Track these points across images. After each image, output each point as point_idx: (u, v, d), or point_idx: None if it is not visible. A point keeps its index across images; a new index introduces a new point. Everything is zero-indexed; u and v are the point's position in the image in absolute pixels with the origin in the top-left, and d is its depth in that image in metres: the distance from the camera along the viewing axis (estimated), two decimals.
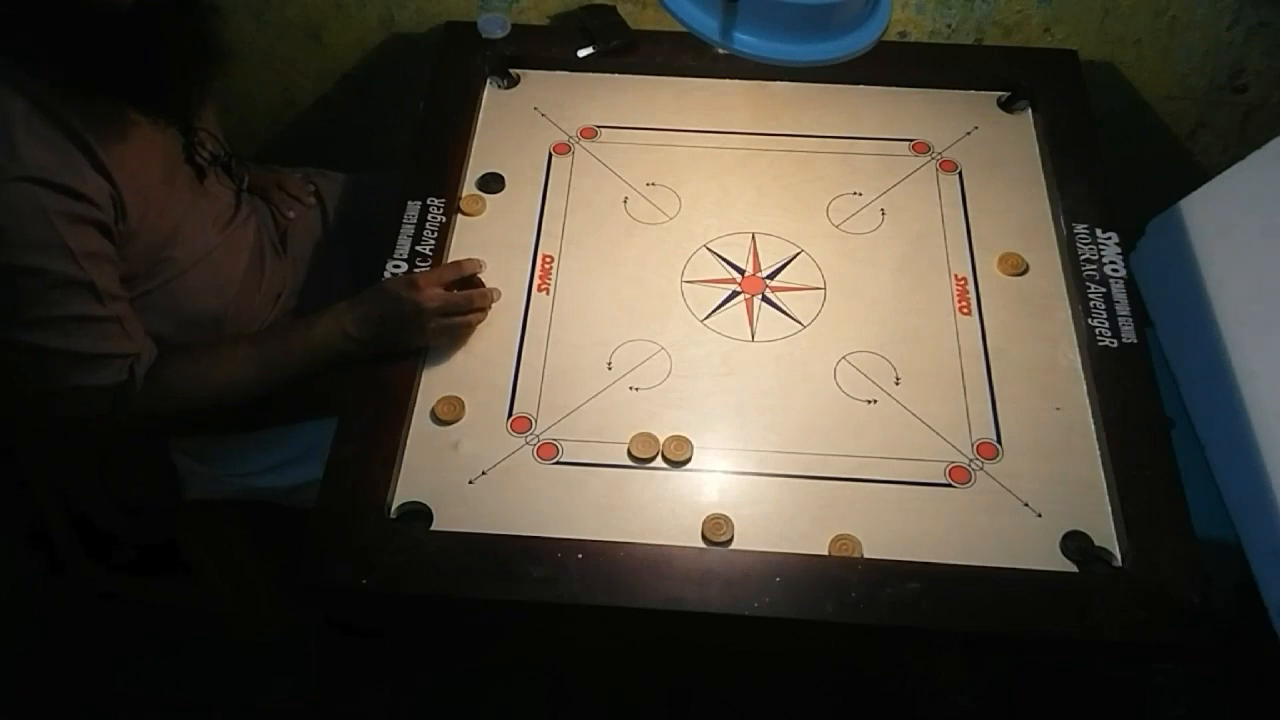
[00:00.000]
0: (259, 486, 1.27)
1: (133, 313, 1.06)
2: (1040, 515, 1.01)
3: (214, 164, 1.18)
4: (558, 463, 1.04)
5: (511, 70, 1.38)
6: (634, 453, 1.04)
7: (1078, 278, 1.16)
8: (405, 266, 1.16)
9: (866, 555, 0.97)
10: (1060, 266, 1.19)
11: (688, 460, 1.04)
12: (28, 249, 0.94)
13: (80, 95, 0.96)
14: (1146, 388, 1.08)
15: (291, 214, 1.33)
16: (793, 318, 1.16)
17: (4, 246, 0.93)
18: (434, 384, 1.10)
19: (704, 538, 0.99)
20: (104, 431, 1.13)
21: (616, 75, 1.38)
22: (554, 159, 1.30)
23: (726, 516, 1.00)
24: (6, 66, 0.93)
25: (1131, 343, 1.11)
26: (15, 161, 0.92)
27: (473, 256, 1.17)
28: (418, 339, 1.10)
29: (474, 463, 1.04)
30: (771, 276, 1.20)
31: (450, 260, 1.17)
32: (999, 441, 1.06)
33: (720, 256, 1.22)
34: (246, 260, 1.21)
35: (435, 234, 1.19)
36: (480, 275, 1.15)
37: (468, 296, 1.12)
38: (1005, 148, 1.31)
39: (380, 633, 1.59)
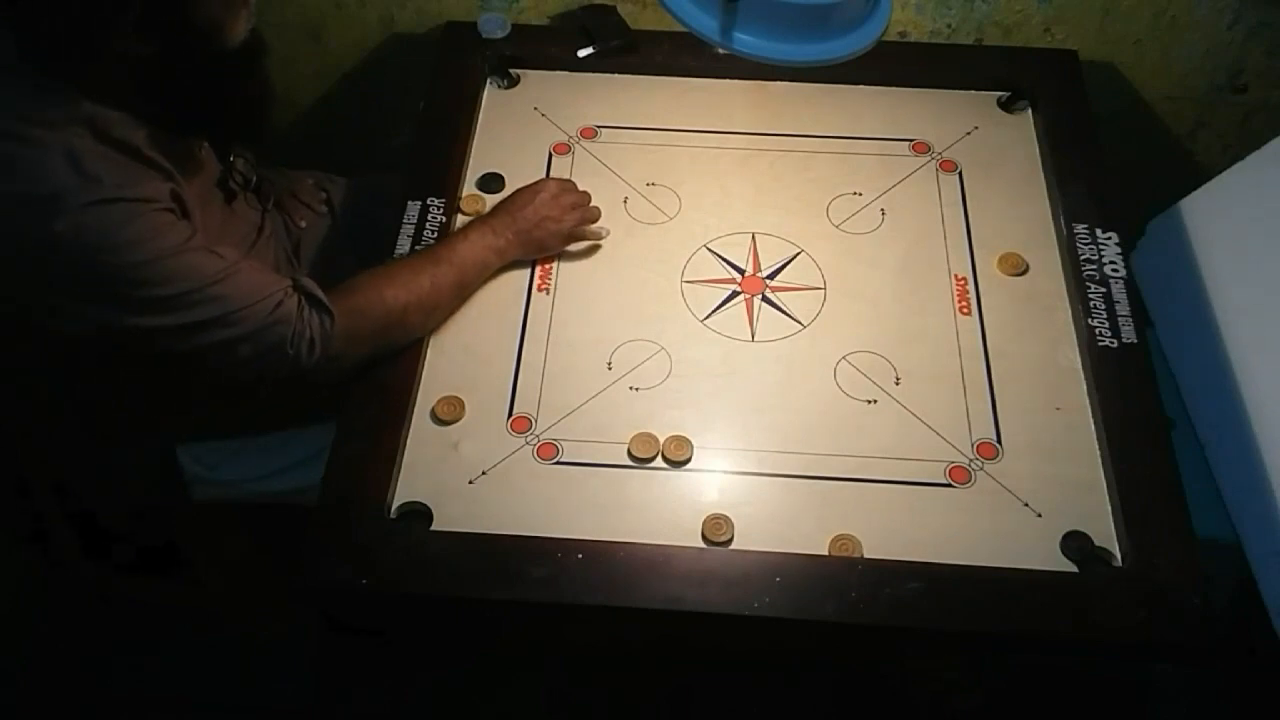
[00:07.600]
0: (264, 491, 1.27)
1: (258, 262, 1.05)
2: (1040, 515, 1.01)
3: (245, 188, 1.17)
4: (558, 463, 1.05)
5: (511, 70, 1.38)
6: (634, 453, 1.04)
7: (1078, 278, 1.16)
8: None
9: (866, 555, 0.98)
10: (1060, 266, 1.19)
11: (688, 460, 1.04)
12: (135, 250, 0.91)
13: (168, 132, 0.96)
14: (1146, 388, 1.08)
15: (304, 223, 1.32)
16: (793, 318, 1.16)
17: (111, 260, 0.90)
18: (434, 384, 1.10)
19: (704, 538, 0.99)
20: (321, 367, 1.04)
21: (616, 75, 1.38)
22: (554, 159, 1.30)
23: (726, 516, 1.00)
24: (71, 95, 0.91)
25: (1131, 343, 1.11)
26: (93, 184, 0.89)
27: None
28: (551, 226, 1.16)
29: (474, 463, 1.04)
30: (771, 276, 1.20)
31: None
32: (999, 441, 1.06)
33: (720, 256, 1.22)
34: None
35: (435, 234, 1.19)
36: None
37: (584, 193, 1.21)
38: (1005, 148, 1.31)
39: (380, 633, 1.59)
